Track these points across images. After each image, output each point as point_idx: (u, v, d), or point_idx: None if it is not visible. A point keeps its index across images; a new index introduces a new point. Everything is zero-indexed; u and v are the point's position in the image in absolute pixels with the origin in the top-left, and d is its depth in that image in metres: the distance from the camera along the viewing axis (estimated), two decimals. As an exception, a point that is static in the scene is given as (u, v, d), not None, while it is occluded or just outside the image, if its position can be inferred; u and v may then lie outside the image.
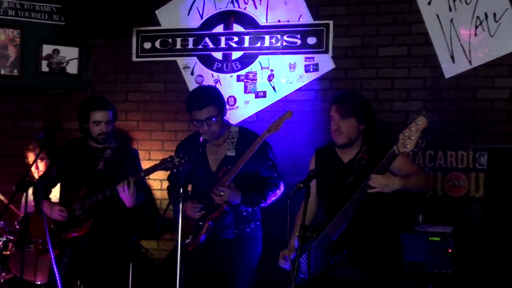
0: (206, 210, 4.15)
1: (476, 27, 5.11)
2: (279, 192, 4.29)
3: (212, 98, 4.19)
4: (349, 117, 3.78)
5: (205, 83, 5.74)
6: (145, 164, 4.73)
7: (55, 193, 4.90)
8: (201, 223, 4.16)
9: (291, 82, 5.64)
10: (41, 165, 5.49)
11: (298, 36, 5.62)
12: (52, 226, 4.52)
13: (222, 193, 4.06)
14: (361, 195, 3.58)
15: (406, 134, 3.42)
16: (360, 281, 3.70)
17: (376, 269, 3.69)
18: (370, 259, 3.70)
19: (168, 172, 4.40)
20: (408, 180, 3.61)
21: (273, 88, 5.70)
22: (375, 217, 3.72)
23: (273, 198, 4.27)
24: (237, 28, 5.81)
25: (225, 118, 4.33)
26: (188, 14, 5.95)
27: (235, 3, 5.82)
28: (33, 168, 5.40)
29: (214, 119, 4.15)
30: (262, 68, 5.74)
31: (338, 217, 3.66)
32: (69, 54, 6.18)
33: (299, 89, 5.62)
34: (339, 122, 3.80)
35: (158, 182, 5.91)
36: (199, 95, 4.22)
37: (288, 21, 5.66)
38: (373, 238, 3.72)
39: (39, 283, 5.26)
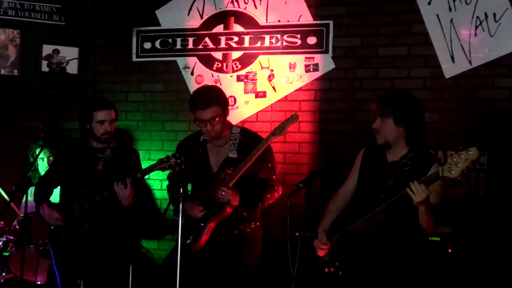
0: (207, 210, 4.15)
1: (476, 27, 5.11)
2: (277, 194, 4.29)
3: (216, 98, 4.19)
4: (385, 117, 3.69)
5: (205, 83, 5.73)
6: (145, 164, 4.72)
7: (56, 194, 4.90)
8: (202, 224, 4.15)
9: (291, 82, 5.64)
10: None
11: (298, 36, 5.62)
12: (52, 227, 4.53)
13: (223, 193, 4.04)
14: (396, 204, 3.50)
15: (455, 159, 3.33)
16: (377, 278, 3.68)
17: (401, 273, 3.66)
18: (394, 262, 3.66)
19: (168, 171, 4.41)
20: (430, 214, 3.50)
21: (273, 88, 5.70)
22: (404, 222, 3.67)
23: (270, 201, 4.27)
24: (237, 28, 5.81)
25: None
26: (188, 14, 5.95)
27: (235, 3, 5.82)
28: (46, 165, 5.43)
29: (217, 119, 4.15)
30: (262, 68, 5.74)
31: (368, 217, 3.62)
32: (69, 54, 6.18)
33: (299, 89, 5.62)
34: (377, 121, 3.73)
35: (158, 182, 5.92)
36: (204, 94, 4.21)
37: (288, 21, 5.66)
38: (399, 241, 3.68)
39: (39, 283, 5.26)
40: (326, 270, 3.80)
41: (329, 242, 3.82)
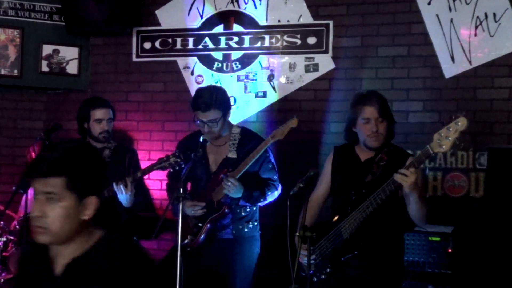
0: (205, 210, 4.15)
1: (476, 27, 5.11)
2: (277, 193, 4.29)
3: (218, 101, 4.17)
4: (385, 117, 3.69)
5: (205, 83, 5.73)
6: (145, 165, 4.73)
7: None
8: (200, 224, 4.16)
9: (291, 82, 5.65)
10: None
11: (298, 36, 5.62)
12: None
13: (230, 183, 4.02)
14: (383, 194, 3.49)
15: (443, 134, 3.28)
16: (364, 278, 3.68)
17: (382, 268, 3.67)
18: (377, 258, 3.67)
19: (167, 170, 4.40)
20: (423, 199, 3.51)
21: (273, 88, 5.70)
22: (387, 217, 3.68)
23: (270, 199, 4.27)
24: (237, 28, 5.81)
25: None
26: (188, 14, 5.95)
27: (235, 3, 5.82)
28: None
29: (216, 122, 4.15)
30: (262, 68, 5.74)
31: (353, 215, 3.60)
32: (69, 54, 6.18)
33: (299, 89, 5.62)
34: (378, 124, 3.68)
35: (158, 182, 5.91)
36: (206, 97, 4.19)
37: (288, 21, 5.66)
38: (383, 237, 3.69)
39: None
40: (315, 279, 3.75)
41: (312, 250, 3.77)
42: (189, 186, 4.43)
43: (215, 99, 4.18)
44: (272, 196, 4.27)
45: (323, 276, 3.74)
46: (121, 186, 4.28)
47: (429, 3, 5.23)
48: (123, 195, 4.30)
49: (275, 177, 4.30)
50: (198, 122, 4.20)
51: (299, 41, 5.62)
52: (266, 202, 4.27)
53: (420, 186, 3.53)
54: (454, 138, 3.28)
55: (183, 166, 4.08)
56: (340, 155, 3.93)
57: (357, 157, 3.82)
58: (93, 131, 4.56)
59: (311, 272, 3.68)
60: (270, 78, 5.71)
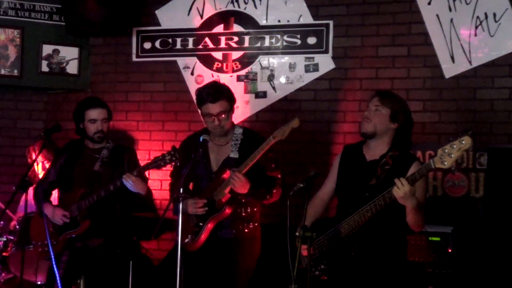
0: (206, 210, 4.15)
1: (476, 27, 5.11)
2: (281, 191, 4.28)
3: (225, 92, 4.18)
4: (385, 106, 3.67)
5: (205, 83, 5.72)
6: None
7: (54, 195, 4.90)
8: (201, 224, 4.15)
9: (291, 82, 5.65)
10: (47, 166, 5.49)
11: (298, 36, 5.62)
12: (51, 228, 4.53)
13: (237, 178, 4.01)
14: (383, 201, 3.49)
15: (446, 150, 3.30)
16: (364, 279, 3.68)
17: (382, 269, 3.66)
18: (377, 259, 3.67)
19: (170, 170, 4.41)
20: (418, 210, 3.49)
21: (273, 88, 5.71)
22: (388, 220, 3.67)
23: (275, 197, 4.25)
24: (237, 28, 5.82)
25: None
26: (188, 14, 5.95)
27: (235, 3, 5.82)
28: (39, 170, 5.42)
29: (225, 114, 4.14)
30: (262, 68, 5.74)
31: (353, 217, 3.60)
32: (69, 54, 6.19)
33: (299, 89, 5.63)
34: (372, 110, 3.70)
35: (158, 182, 5.91)
36: (213, 88, 4.19)
37: (288, 21, 5.66)
38: (383, 240, 3.68)
39: (39, 283, 5.26)
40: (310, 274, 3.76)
41: (311, 245, 3.78)
42: (191, 186, 4.42)
43: (222, 90, 4.19)
44: (278, 194, 4.25)
45: (317, 272, 3.74)
46: (128, 180, 4.29)
47: (429, 3, 5.23)
48: (135, 185, 4.31)
49: (279, 176, 4.28)
50: (205, 117, 4.16)
51: (299, 41, 5.62)
52: (270, 201, 4.26)
53: (418, 197, 3.51)
54: (457, 156, 3.32)
55: (178, 164, 4.08)
56: (348, 154, 3.93)
57: (362, 156, 3.81)
58: (88, 132, 4.57)
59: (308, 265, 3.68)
60: (270, 78, 5.72)
